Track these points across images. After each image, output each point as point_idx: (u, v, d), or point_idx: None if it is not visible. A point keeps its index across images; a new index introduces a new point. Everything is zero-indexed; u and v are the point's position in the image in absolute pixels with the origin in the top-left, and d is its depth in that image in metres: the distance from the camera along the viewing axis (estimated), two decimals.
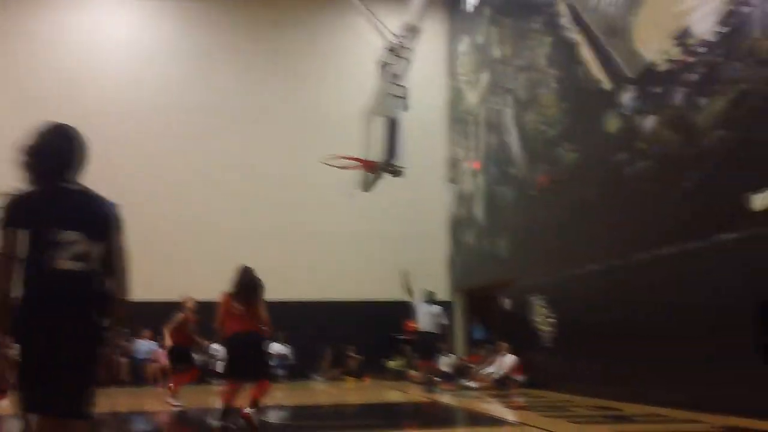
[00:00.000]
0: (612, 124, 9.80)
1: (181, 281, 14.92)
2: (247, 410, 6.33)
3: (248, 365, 6.59)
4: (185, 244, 16.00)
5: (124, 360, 9.80)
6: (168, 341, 9.46)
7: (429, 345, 12.57)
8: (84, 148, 2.96)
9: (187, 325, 9.38)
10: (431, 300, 12.65)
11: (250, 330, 6.55)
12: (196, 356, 10.29)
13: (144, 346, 14.28)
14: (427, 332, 12.41)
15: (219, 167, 16.72)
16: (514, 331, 13.03)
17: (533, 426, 7.10)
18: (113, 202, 2.96)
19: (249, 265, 6.90)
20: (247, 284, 6.68)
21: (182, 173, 16.58)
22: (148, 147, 16.49)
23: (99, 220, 2.85)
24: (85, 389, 2.73)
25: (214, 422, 6.78)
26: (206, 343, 8.14)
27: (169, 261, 15.36)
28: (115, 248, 2.88)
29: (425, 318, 12.42)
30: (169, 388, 9.32)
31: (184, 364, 9.45)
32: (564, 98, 11.52)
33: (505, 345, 12.55)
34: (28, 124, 3.07)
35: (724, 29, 7.41)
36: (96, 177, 3.45)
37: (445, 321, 12.80)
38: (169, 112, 16.83)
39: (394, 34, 9.28)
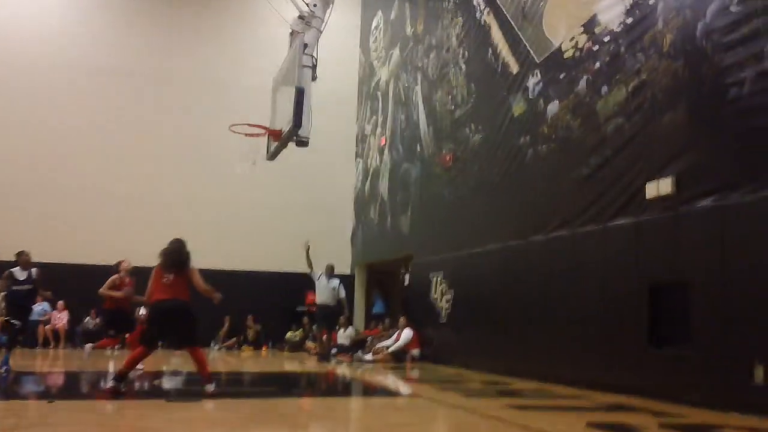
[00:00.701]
0: (518, 107, 10.00)
1: (86, 245, 14.61)
2: (209, 388, 6.56)
3: (170, 332, 6.95)
4: (87, 208, 15.50)
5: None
6: (108, 303, 9.29)
7: (327, 317, 12.66)
8: None
9: (122, 288, 9.22)
10: (332, 273, 12.67)
11: (174, 298, 6.67)
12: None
13: (38, 307, 13.67)
14: (325, 305, 12.49)
15: (126, 130, 16.18)
16: (412, 306, 13.23)
17: (425, 397, 7.22)
18: None
19: (176, 236, 7.05)
20: (173, 255, 6.84)
21: (88, 135, 15.95)
22: (51, 105, 15.78)
23: None
24: None
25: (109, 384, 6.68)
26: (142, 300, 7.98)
27: (72, 225, 15.04)
28: None
29: (325, 291, 12.48)
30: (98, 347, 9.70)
31: (118, 328, 9.38)
32: (472, 79, 11.65)
33: (403, 319, 12.72)
34: None
35: (629, 20, 7.65)
36: None
37: (344, 294, 12.85)
38: (78, 70, 16.07)
39: (306, 3, 9.06)
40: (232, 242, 15.93)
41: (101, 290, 9.22)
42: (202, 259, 7.27)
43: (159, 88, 16.60)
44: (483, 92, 11.28)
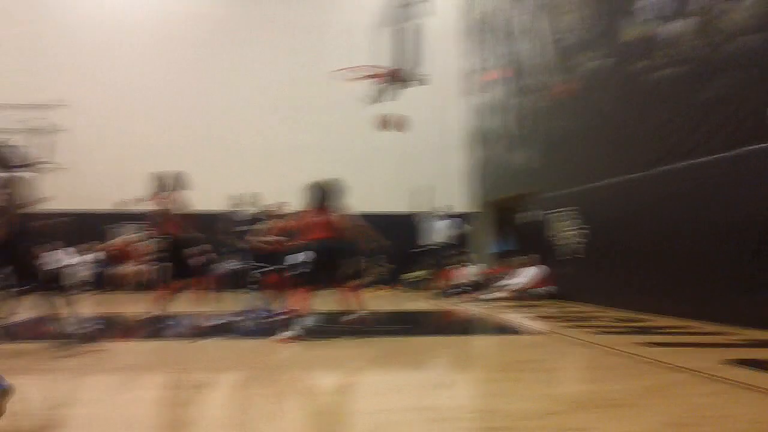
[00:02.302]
0: (633, 30, 9.36)
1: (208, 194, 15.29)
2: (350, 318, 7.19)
3: (328, 271, 7.16)
4: (202, 158, 16.04)
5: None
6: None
7: (446, 256, 12.76)
8: None
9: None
10: (447, 213, 12.70)
11: (332, 237, 7.00)
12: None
13: None
14: (443, 244, 12.59)
15: (228, 80, 16.60)
16: (538, 243, 13.00)
17: (555, 334, 7.14)
18: None
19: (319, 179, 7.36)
20: (327, 193, 7.18)
21: (197, 87, 16.53)
22: (155, 58, 16.43)
23: None
24: None
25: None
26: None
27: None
28: None
29: (441, 231, 12.56)
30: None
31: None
32: (585, 3, 11.01)
33: (528, 257, 12.54)
34: None
35: None
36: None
37: (461, 233, 12.84)
38: (176, 18, 16.58)
39: None
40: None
41: (263, 239, 9.15)
42: None
43: (260, 35, 16.83)
44: (597, 16, 10.63)
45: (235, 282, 9.46)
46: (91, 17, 16.31)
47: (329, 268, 7.05)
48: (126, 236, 14.66)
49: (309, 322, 7.20)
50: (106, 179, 14.91)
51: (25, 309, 7.01)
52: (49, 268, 6.51)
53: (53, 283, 6.58)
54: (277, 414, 3.92)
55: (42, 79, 15.28)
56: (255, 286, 9.25)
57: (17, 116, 14.21)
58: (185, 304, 8.28)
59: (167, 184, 7.86)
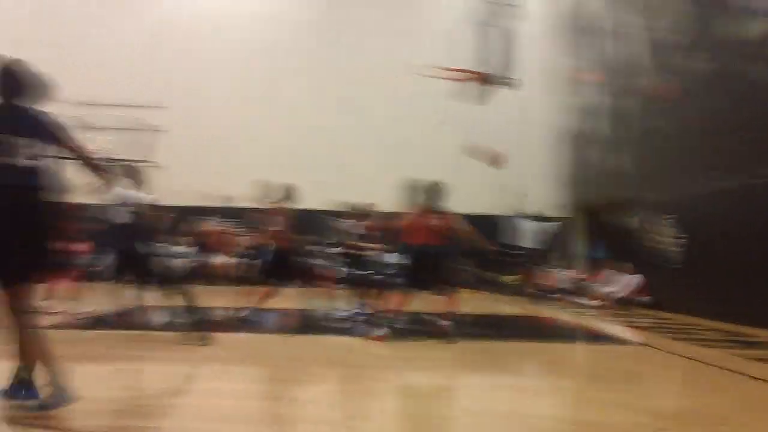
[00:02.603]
0: (748, 29, 8.90)
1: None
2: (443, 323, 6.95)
3: (428, 276, 7.03)
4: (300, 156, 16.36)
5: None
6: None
7: (535, 261, 12.57)
8: (28, 81, 3.50)
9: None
10: (537, 216, 12.51)
11: (437, 243, 6.92)
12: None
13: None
14: (533, 247, 12.39)
15: (320, 82, 16.84)
16: (633, 250, 12.56)
17: (655, 346, 6.89)
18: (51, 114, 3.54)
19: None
20: (425, 197, 7.04)
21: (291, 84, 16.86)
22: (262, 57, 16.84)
23: (47, 128, 3.48)
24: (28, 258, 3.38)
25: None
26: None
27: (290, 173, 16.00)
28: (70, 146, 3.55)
29: (530, 234, 12.39)
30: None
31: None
32: (695, 2, 10.57)
33: (627, 264, 12.14)
34: None
35: None
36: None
37: (551, 237, 12.61)
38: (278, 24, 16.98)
39: None
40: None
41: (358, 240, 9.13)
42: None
43: (351, 38, 17.02)
44: (707, 16, 10.18)
45: (333, 281, 9.58)
46: (189, 23, 16.94)
47: (430, 271, 6.99)
48: (220, 226, 15.09)
49: (401, 322, 7.25)
50: (202, 177, 15.41)
51: (135, 299, 7.38)
52: (159, 260, 6.83)
53: (162, 276, 6.90)
54: (371, 413, 3.97)
55: (143, 82, 16.01)
56: (348, 286, 9.37)
57: (121, 116, 14.95)
58: (285, 301, 8.46)
59: (278, 194, 7.96)
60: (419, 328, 7.66)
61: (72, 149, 3.56)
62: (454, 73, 9.44)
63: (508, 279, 15.73)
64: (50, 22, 16.23)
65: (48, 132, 3.48)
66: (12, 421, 3.37)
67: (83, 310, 8.26)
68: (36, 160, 3.41)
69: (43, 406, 3.44)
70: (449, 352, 6.33)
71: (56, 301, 8.42)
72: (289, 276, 7.94)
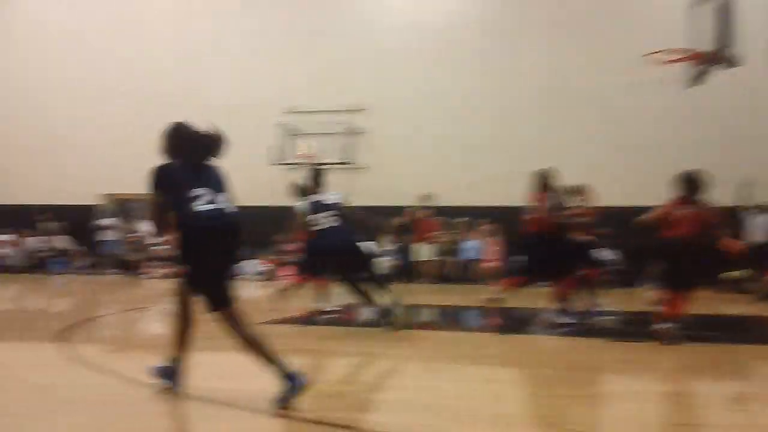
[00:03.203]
0: None
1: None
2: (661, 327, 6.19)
3: (695, 272, 6.38)
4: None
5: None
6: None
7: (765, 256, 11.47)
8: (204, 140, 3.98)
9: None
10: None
11: (695, 234, 6.20)
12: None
13: (472, 245, 14.65)
14: (763, 242, 11.29)
15: (512, 80, 16.24)
16: None
17: None
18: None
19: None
20: (691, 186, 6.36)
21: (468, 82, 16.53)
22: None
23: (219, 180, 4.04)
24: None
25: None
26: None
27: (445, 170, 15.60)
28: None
29: (764, 227, 11.32)
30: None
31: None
32: None
33: None
34: None
35: None
36: None
37: None
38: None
39: None
40: (613, 179, 13.69)
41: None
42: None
43: (560, 30, 16.28)
44: None
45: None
46: (388, 27, 17.20)
47: (691, 268, 6.24)
48: (423, 212, 15.01)
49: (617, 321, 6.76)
50: (397, 177, 15.66)
51: (343, 297, 7.73)
52: (368, 257, 7.12)
53: (369, 272, 7.18)
54: (584, 417, 3.85)
55: (346, 86, 16.67)
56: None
57: (327, 120, 15.77)
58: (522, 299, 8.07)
59: (544, 183, 7.40)
60: (640, 329, 7.21)
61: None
62: (678, 53, 8.79)
63: (733, 275, 14.19)
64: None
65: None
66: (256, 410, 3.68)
67: (324, 307, 8.22)
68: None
69: (284, 398, 3.63)
70: (668, 355, 5.87)
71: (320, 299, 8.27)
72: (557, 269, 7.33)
